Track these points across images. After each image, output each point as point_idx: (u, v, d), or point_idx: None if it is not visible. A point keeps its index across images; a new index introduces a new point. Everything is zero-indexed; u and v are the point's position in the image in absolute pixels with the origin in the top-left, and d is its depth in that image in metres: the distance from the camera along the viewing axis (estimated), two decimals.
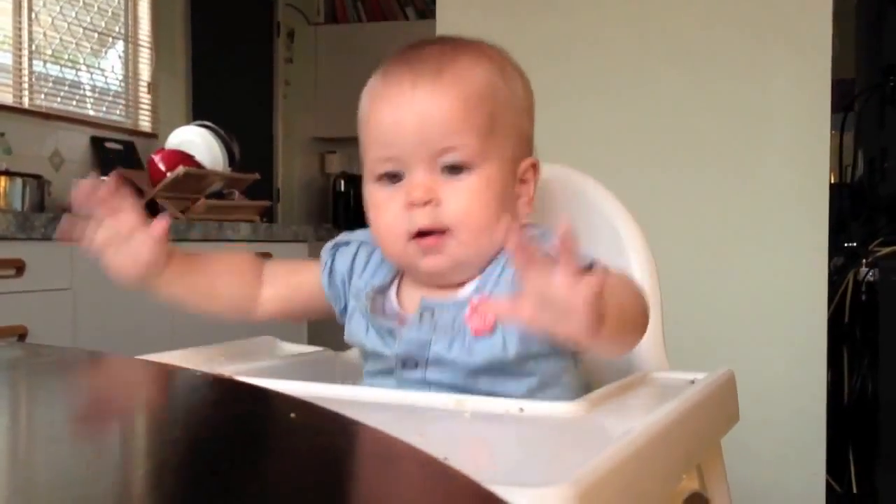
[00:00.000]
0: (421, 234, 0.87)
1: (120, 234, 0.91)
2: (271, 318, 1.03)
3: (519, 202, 0.93)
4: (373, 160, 0.90)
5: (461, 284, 0.92)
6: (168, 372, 0.77)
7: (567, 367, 0.91)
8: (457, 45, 0.91)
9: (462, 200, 0.87)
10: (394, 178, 0.89)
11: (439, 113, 0.86)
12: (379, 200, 0.90)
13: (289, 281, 1.02)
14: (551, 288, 0.68)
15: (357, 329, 0.95)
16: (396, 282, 0.95)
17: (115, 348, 2.09)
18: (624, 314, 0.78)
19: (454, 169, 0.87)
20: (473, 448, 0.67)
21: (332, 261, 0.99)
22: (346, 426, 0.51)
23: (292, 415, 0.55)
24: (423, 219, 0.87)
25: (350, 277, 0.98)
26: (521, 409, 0.72)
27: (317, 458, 0.46)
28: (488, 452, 0.67)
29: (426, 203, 0.86)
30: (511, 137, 0.90)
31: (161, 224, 0.92)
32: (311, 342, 1.29)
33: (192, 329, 2.71)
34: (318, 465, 0.44)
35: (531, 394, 0.88)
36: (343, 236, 1.00)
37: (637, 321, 0.82)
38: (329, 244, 1.00)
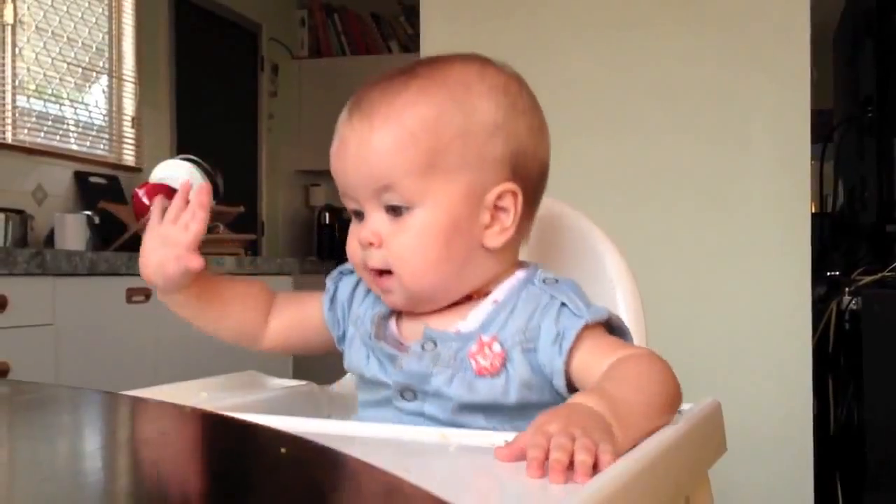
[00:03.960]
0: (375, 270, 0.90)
1: (167, 240, 0.94)
2: (274, 349, 1.04)
3: (487, 232, 0.90)
4: (342, 196, 0.93)
5: (463, 312, 0.91)
6: (153, 408, 0.76)
7: None
8: (410, 78, 0.89)
9: (402, 243, 0.88)
10: (358, 214, 0.91)
11: (370, 156, 0.87)
12: (350, 233, 0.93)
13: (295, 313, 1.03)
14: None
15: (357, 356, 0.95)
16: (396, 313, 0.95)
17: (97, 384, 2.07)
18: (650, 412, 0.77)
19: (396, 209, 0.88)
20: (459, 482, 0.67)
21: (336, 287, 1.00)
22: (337, 461, 0.50)
23: (282, 450, 0.55)
24: (372, 260, 0.89)
25: (350, 304, 0.99)
26: (506, 443, 0.71)
27: (309, 493, 0.46)
28: (474, 487, 0.67)
29: (370, 245, 0.89)
30: (466, 168, 0.87)
31: (199, 262, 0.93)
32: (295, 376, 1.29)
33: (175, 364, 2.71)
34: (311, 501, 0.44)
35: None
36: (348, 264, 1.01)
37: (668, 404, 0.81)
38: (334, 271, 1.02)
